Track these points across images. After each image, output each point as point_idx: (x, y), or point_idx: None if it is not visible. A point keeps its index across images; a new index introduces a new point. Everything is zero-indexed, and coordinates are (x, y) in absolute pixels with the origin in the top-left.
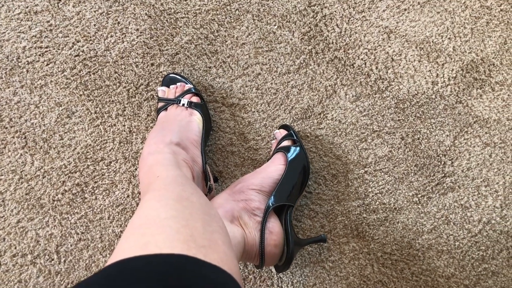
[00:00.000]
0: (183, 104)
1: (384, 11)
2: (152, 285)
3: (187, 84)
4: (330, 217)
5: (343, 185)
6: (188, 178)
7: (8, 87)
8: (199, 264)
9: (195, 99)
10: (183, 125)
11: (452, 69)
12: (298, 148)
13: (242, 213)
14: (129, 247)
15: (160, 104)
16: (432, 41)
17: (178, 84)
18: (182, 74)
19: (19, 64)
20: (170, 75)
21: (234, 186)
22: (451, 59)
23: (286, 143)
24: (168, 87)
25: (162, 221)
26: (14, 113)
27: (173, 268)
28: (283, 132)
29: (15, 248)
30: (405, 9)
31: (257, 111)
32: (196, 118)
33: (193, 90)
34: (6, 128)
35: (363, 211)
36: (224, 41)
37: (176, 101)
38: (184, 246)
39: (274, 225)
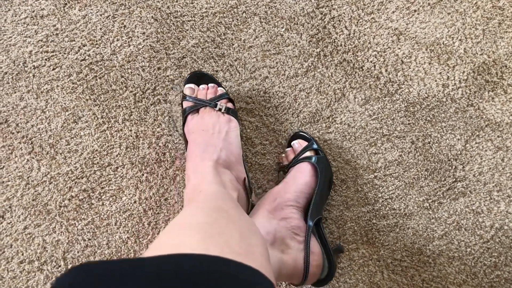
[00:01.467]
0: (220, 109)
1: (393, 12)
2: (174, 285)
3: (219, 87)
4: (339, 223)
5: (352, 190)
6: (231, 196)
7: (15, 92)
8: (231, 264)
9: (230, 105)
10: (224, 138)
11: (463, 71)
12: (323, 159)
13: (284, 234)
14: (161, 245)
15: (189, 104)
16: (443, 43)
17: (210, 85)
18: (211, 75)
19: (26, 69)
20: (199, 71)
21: (272, 201)
22: (462, 61)
23: (308, 153)
24: (197, 85)
25: (198, 225)
26: (20, 118)
27: (203, 268)
28: (303, 143)
29: (22, 254)
30: (415, 10)
31: (264, 115)
32: (235, 126)
33: (228, 96)
34: (13, 133)
35: (373, 217)
36: (231, 44)
37: (211, 104)
38: (217, 249)
39: (314, 245)
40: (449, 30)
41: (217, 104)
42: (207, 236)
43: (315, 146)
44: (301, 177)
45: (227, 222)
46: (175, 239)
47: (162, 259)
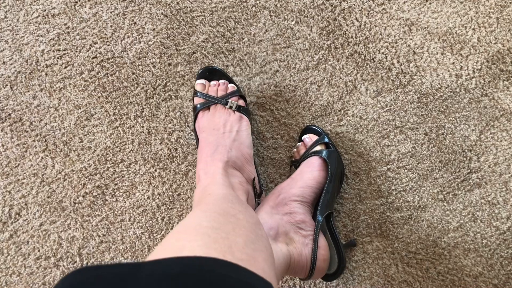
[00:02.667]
0: (231, 107)
1: (404, 2)
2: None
3: (230, 83)
4: (352, 216)
5: (366, 183)
6: (240, 199)
7: (28, 91)
8: (229, 266)
9: (241, 102)
10: (235, 138)
11: (477, 61)
12: (334, 153)
13: (287, 228)
14: (163, 249)
15: (200, 100)
16: (456, 33)
17: (221, 81)
18: (223, 70)
19: (38, 67)
20: (211, 66)
21: (276, 197)
22: (476, 50)
23: (319, 148)
24: (209, 80)
25: (202, 229)
26: (34, 117)
27: (202, 270)
28: (314, 137)
29: (39, 251)
30: (427, 0)
31: (275, 109)
32: (246, 124)
33: (239, 93)
34: (27, 131)
35: (387, 210)
36: (241, 39)
37: (222, 101)
38: (219, 255)
39: (321, 239)
40: (462, 19)
41: (228, 102)
42: (210, 240)
43: (326, 139)
44: (308, 172)
45: (233, 226)
46: (178, 242)
47: (162, 262)
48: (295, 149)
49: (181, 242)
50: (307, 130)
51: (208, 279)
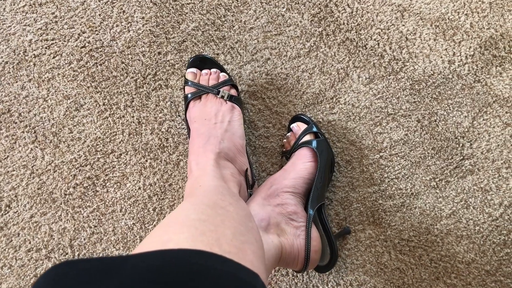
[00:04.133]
0: (222, 97)
1: None
2: (155, 279)
3: (221, 72)
4: (345, 204)
5: (358, 171)
6: (231, 190)
7: (16, 82)
8: (213, 258)
9: (233, 91)
10: (227, 128)
11: (470, 47)
12: (323, 142)
13: (279, 220)
14: (150, 241)
15: (191, 90)
16: (448, 18)
17: (213, 70)
18: (215, 59)
19: (26, 57)
20: (201, 55)
21: (267, 188)
22: (469, 36)
23: (308, 137)
24: (200, 69)
25: (189, 222)
26: (23, 108)
27: (185, 262)
28: (302, 126)
29: (30, 243)
30: None
31: (267, 98)
32: (238, 114)
33: (231, 82)
34: (16, 123)
35: (379, 197)
36: (231, 26)
37: (213, 91)
38: (206, 247)
39: (313, 231)
40: (454, 5)
41: (219, 91)
42: (197, 233)
43: (314, 129)
44: (300, 164)
45: (223, 219)
46: (164, 235)
47: (147, 255)
48: (285, 140)
49: (167, 235)
50: (296, 119)
51: (192, 271)
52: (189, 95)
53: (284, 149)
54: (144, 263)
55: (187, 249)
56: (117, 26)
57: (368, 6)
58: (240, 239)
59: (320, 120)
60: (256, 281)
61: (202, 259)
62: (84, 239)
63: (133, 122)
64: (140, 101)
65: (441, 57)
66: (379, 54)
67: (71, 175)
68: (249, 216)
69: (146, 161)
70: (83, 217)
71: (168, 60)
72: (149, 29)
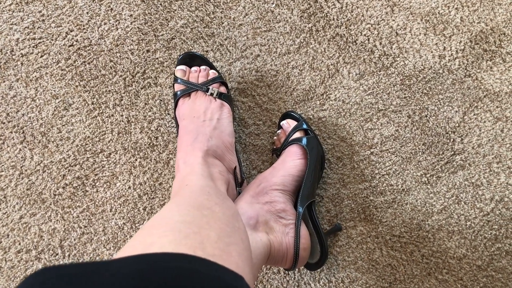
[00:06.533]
0: (212, 94)
1: None
2: (136, 285)
3: (211, 69)
4: (336, 201)
5: (349, 167)
6: (218, 190)
7: (4, 81)
8: (196, 261)
9: (222, 89)
10: (216, 126)
11: (460, 41)
12: (313, 139)
13: (267, 217)
14: (133, 245)
15: (180, 87)
16: (438, 13)
17: (202, 67)
18: (204, 56)
19: (13, 57)
20: (191, 52)
21: (256, 186)
22: (459, 30)
23: (298, 134)
24: (189, 67)
25: (174, 224)
26: (11, 108)
27: (168, 266)
28: (292, 123)
29: (19, 244)
30: None
31: (257, 95)
32: (227, 111)
33: (221, 79)
34: (4, 123)
35: (370, 194)
36: (220, 23)
37: (203, 88)
38: (189, 250)
39: (303, 228)
40: None
41: (209, 88)
42: (181, 236)
43: (304, 126)
44: (290, 161)
45: (208, 220)
46: (148, 238)
47: (128, 260)
48: (276, 137)
49: (151, 238)
50: (286, 116)
51: (175, 275)
52: (178, 93)
53: (274, 147)
54: (126, 268)
55: (171, 252)
56: (105, 24)
57: (358, 1)
58: (225, 241)
59: (311, 116)
60: (240, 284)
61: (186, 263)
62: (74, 240)
63: (122, 121)
64: (129, 99)
65: (432, 52)
66: (369, 50)
67: (61, 175)
68: (236, 216)
69: (136, 160)
70: (73, 217)
71: (157, 58)
72: (138, 27)
